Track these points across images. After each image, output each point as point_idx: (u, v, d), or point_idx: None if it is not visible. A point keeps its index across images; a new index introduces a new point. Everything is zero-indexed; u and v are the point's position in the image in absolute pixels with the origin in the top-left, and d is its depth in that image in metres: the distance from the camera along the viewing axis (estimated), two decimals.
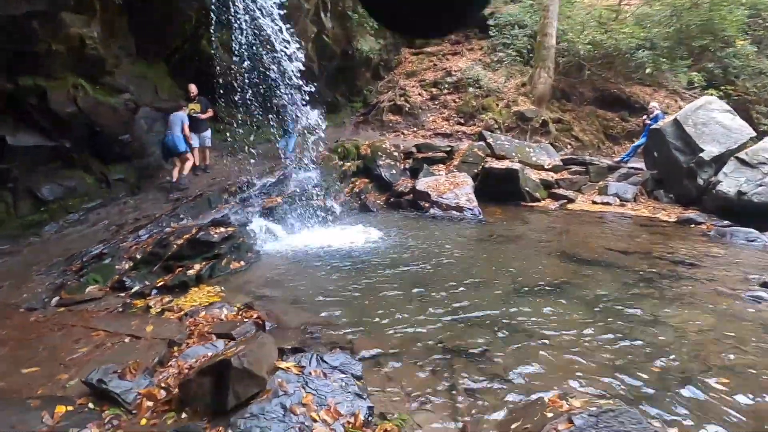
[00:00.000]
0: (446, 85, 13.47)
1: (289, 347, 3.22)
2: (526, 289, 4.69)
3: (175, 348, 3.26)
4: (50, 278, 4.62)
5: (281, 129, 9.17)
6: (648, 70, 11.98)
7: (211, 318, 3.85)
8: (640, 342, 3.48)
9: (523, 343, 3.51)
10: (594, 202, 9.30)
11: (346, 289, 4.77)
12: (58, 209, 5.90)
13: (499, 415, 2.53)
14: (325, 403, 2.44)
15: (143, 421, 2.32)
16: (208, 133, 8.19)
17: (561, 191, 9.66)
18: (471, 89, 12.92)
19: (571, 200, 9.40)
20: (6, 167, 5.27)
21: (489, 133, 10.97)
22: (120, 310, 4.11)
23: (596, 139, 13.57)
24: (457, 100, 13.18)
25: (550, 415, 2.20)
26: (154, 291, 4.58)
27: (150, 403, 2.54)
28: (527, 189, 9.44)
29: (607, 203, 9.09)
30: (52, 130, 5.55)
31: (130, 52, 7.03)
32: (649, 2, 14.17)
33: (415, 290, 4.66)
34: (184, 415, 2.35)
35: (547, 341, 3.53)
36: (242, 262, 5.49)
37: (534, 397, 2.68)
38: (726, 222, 7.02)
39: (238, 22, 6.56)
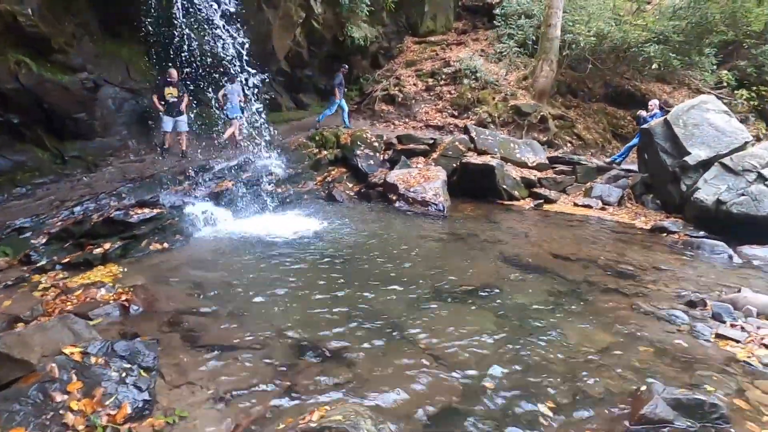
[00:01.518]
0: (443, 76, 13.00)
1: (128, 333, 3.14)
2: (445, 292, 4.42)
3: (19, 324, 3.24)
4: None
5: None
6: (654, 66, 11.05)
7: (84, 297, 3.82)
8: (522, 359, 3.16)
9: (395, 349, 3.26)
10: (575, 204, 8.74)
11: (254, 280, 4.62)
12: (4, 182, 6.07)
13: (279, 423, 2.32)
14: (92, 393, 2.31)
15: None
16: (183, 118, 8.19)
17: (542, 191, 9.14)
18: (466, 81, 12.39)
19: (550, 201, 8.88)
20: None
21: (474, 126, 10.51)
22: (10, 283, 4.16)
23: (602, 138, 12.75)
24: (452, 91, 12.70)
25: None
26: (58, 267, 4.61)
27: None
28: (505, 186, 8.98)
29: (588, 206, 8.52)
30: None
31: (92, 31, 7.12)
32: None
33: (328, 286, 4.46)
34: None
35: (419, 349, 3.27)
36: (165, 244, 5.46)
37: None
38: (702, 233, 6.37)
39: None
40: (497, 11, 14.09)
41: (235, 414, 2.43)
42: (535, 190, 9.17)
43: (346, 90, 11.84)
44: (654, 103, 9.48)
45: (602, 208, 8.37)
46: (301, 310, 3.94)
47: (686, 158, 7.09)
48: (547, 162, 9.78)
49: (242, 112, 8.94)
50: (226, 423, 2.35)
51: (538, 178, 9.41)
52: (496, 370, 2.98)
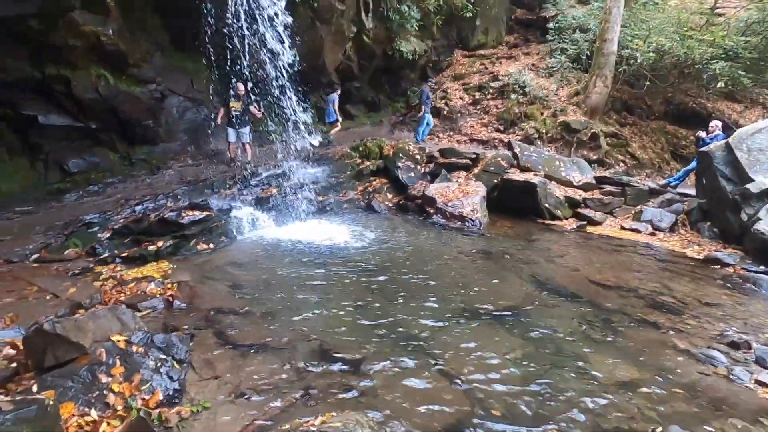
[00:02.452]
0: (490, 90, 12.92)
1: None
2: (473, 311, 4.42)
3: (80, 310, 3.67)
4: (45, 237, 5.42)
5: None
6: (720, 84, 10.32)
7: (136, 290, 4.24)
8: (542, 387, 3.13)
9: (414, 366, 3.32)
10: (623, 228, 8.34)
11: (288, 284, 4.88)
12: (81, 181, 6.84)
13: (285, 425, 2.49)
14: (131, 378, 2.61)
15: None
16: (246, 130, 8.65)
17: (587, 212, 8.80)
18: (514, 96, 12.23)
19: (595, 222, 8.53)
20: (38, 142, 6.28)
21: (518, 142, 10.33)
22: (76, 272, 4.69)
23: (659, 158, 12.10)
24: (499, 106, 12.58)
25: None
26: (117, 260, 5.13)
27: (12, 351, 2.93)
28: (547, 205, 8.75)
29: (636, 230, 8.09)
30: (78, 113, 6.47)
31: (163, 46, 7.85)
32: (748, 6, 12.19)
33: (356, 295, 4.60)
34: (14, 365, 2.68)
35: (439, 368, 3.32)
36: (211, 245, 5.89)
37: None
38: (761, 268, 5.88)
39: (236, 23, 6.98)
40: (551, 25, 13.82)
41: (252, 411, 2.63)
42: (580, 210, 8.85)
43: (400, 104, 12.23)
44: (716, 124, 8.87)
45: (652, 234, 7.93)
46: (329, 316, 4.11)
47: (748, 186, 6.59)
48: (593, 182, 9.41)
49: (337, 117, 10.68)
50: (242, 418, 2.55)
51: (583, 198, 9.08)
52: (510, 395, 2.97)
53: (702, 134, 8.87)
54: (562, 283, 5.38)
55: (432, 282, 5.18)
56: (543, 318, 4.35)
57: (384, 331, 3.85)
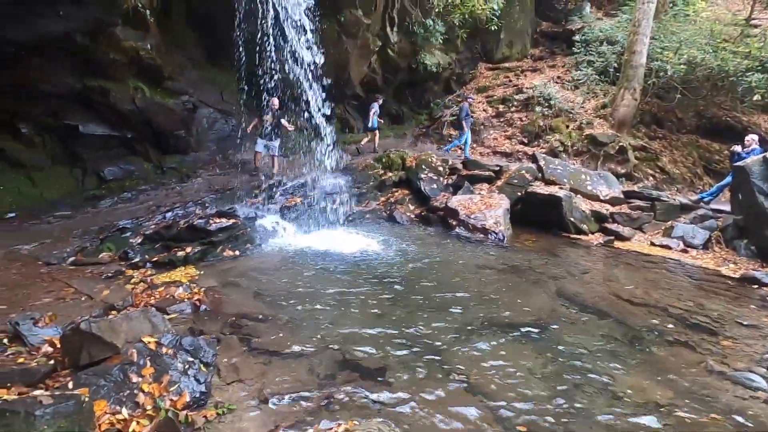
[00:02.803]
0: (514, 103, 12.86)
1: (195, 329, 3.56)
2: (497, 325, 4.36)
3: (113, 311, 3.80)
4: (81, 241, 5.66)
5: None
6: (756, 97, 9.98)
7: (165, 293, 4.36)
8: (563, 405, 3.05)
9: (434, 378, 3.30)
10: (652, 244, 8.09)
11: (311, 292, 4.93)
12: (116, 188, 7.14)
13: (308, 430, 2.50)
14: (160, 379, 2.68)
15: (21, 359, 2.82)
16: (276, 143, 8.85)
17: (614, 226, 8.58)
18: (539, 108, 12.13)
19: (623, 238, 8.30)
20: (78, 150, 6.60)
21: (542, 155, 10.21)
22: (110, 275, 4.87)
23: (691, 173, 11.74)
24: (523, 118, 12.50)
25: None
26: (148, 264, 5.31)
27: (50, 349, 3.05)
28: (572, 219, 8.57)
29: (667, 247, 7.83)
30: (116, 123, 6.78)
31: (197, 60, 8.18)
32: None
33: (378, 305, 4.61)
34: (52, 362, 2.79)
35: (459, 381, 3.28)
36: (237, 252, 6.02)
37: None
38: None
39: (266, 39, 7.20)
40: (577, 37, 13.71)
41: (275, 416, 2.65)
42: (607, 225, 8.64)
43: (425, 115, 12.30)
44: (752, 138, 8.55)
45: (683, 251, 7.66)
46: (351, 325, 4.13)
47: None
48: (621, 196, 9.19)
49: (377, 125, 11.12)
50: (266, 423, 2.58)
51: (610, 212, 8.87)
52: (534, 413, 2.91)
53: (737, 148, 8.57)
54: (589, 299, 5.25)
55: (455, 294, 5.13)
56: (569, 334, 4.24)
57: (406, 342, 3.83)
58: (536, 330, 4.27)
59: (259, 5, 6.82)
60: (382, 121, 11.88)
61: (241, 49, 8.19)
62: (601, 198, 9.15)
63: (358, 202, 9.03)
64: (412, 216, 9.46)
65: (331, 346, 3.67)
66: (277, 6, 7.14)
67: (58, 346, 3.04)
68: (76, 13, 4.99)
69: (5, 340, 3.04)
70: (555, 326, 4.40)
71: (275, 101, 8.49)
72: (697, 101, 12.03)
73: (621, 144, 11.36)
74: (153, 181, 7.70)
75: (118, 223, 6.07)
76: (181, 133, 7.85)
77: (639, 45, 11.09)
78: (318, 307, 4.52)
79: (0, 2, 4.51)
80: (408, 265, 6.17)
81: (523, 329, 4.28)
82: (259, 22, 7.30)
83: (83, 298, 3.96)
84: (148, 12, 5.97)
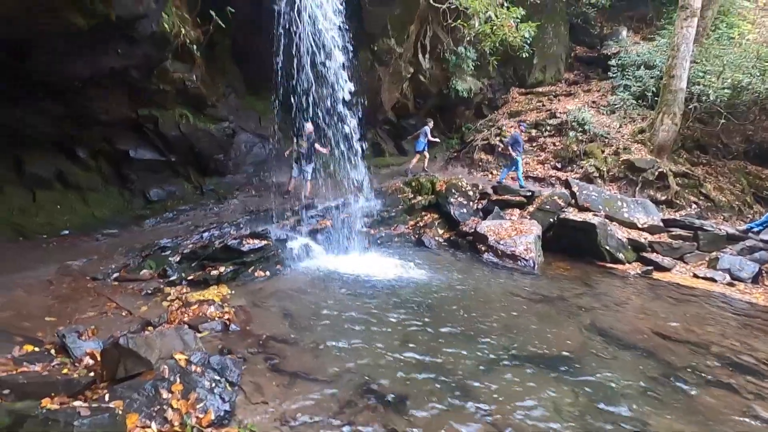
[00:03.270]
0: (548, 127, 12.73)
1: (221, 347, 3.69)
2: (524, 357, 4.26)
3: (149, 327, 4.01)
4: (125, 258, 6.01)
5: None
6: None
7: (198, 312, 4.55)
8: None
9: (457, 411, 3.26)
10: (695, 276, 7.68)
11: (337, 316, 4.99)
12: (159, 208, 7.57)
13: None
14: (188, 396, 2.80)
15: (65, 370, 3.02)
16: (309, 168, 9.11)
17: (653, 256, 8.22)
18: (573, 133, 11.94)
19: (663, 268, 7.92)
20: (128, 173, 7.10)
21: (576, 180, 10.00)
22: (149, 291, 5.14)
23: (739, 200, 11.12)
24: (557, 143, 12.32)
25: None
26: (184, 282, 5.56)
27: (91, 361, 3.26)
28: (607, 247, 8.29)
29: (712, 279, 7.41)
30: (163, 148, 7.27)
31: (237, 88, 8.68)
32: None
33: (403, 331, 4.63)
34: (92, 374, 2.98)
35: (482, 416, 3.23)
36: (267, 272, 6.21)
37: None
38: None
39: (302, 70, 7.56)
40: (613, 62, 13.51)
41: None
42: (645, 254, 8.29)
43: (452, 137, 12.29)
44: None
45: (730, 284, 7.22)
46: (374, 351, 4.15)
47: None
48: (661, 224, 8.83)
49: (425, 148, 11.37)
50: None
51: (649, 241, 8.51)
52: None
53: None
54: (624, 333, 5.03)
55: (482, 323, 5.06)
56: (601, 370, 4.09)
57: (430, 371, 3.81)
58: (566, 364, 4.14)
59: (296, 39, 7.22)
60: (438, 140, 12.44)
61: (278, 77, 8.62)
62: (639, 226, 8.82)
63: (386, 226, 9.12)
64: (441, 240, 9.44)
65: (354, 371, 3.69)
66: (313, 38, 7.54)
67: (98, 359, 3.24)
68: (132, 51, 5.50)
69: (53, 351, 3.28)
70: (586, 361, 4.25)
71: (309, 126, 8.78)
72: (744, 126, 11.49)
73: (661, 170, 10.96)
74: (193, 202, 8.11)
75: (160, 241, 6.41)
76: (220, 157, 8.29)
77: (678, 69, 10.80)
78: (344, 330, 4.57)
79: (68, 43, 5.02)
80: (436, 291, 6.15)
81: (552, 363, 4.16)
82: (295, 54, 7.71)
83: (124, 313, 4.20)
84: (195, 47, 6.48)
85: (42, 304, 4.29)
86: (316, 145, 8.89)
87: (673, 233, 8.55)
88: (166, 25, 5.60)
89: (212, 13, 6.47)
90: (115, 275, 5.51)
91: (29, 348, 3.22)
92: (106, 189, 7.35)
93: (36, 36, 4.94)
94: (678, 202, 10.81)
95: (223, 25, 6.66)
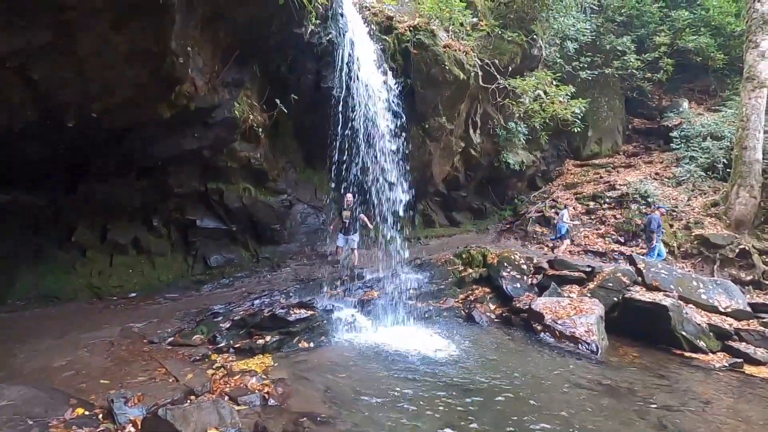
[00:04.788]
0: (606, 200, 12.24)
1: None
2: None
3: (192, 396, 4.05)
4: (180, 323, 6.30)
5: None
6: None
7: (240, 382, 4.56)
8: None
9: None
10: None
11: (378, 396, 4.76)
12: (217, 274, 8.02)
13: None
14: None
15: None
16: (355, 237, 9.45)
17: (742, 346, 7.16)
18: (635, 206, 11.35)
19: (756, 362, 6.84)
20: (194, 240, 7.70)
21: (642, 257, 9.28)
22: (197, 358, 5.27)
23: None
24: (617, 216, 11.72)
25: None
26: (231, 350, 5.66)
27: (132, 429, 3.32)
28: (684, 333, 7.38)
29: None
30: (225, 218, 7.87)
31: (296, 163, 9.38)
32: None
33: (448, 419, 4.29)
34: None
35: None
36: (311, 344, 6.17)
37: None
38: None
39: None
40: (675, 133, 13.06)
41: None
42: (731, 343, 7.25)
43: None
44: None
45: None
46: None
47: None
48: (748, 309, 7.80)
49: (565, 232, 11.10)
50: None
51: (735, 328, 7.48)
52: None
53: None
54: None
55: (536, 415, 4.56)
56: None
57: None
58: None
59: (351, 122, 7.86)
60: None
61: (334, 153, 9.24)
62: (721, 310, 7.84)
63: (435, 299, 8.88)
64: (493, 316, 8.95)
65: None
66: (365, 118, 8.15)
67: (140, 427, 3.29)
68: (206, 133, 6.27)
69: (101, 416, 3.39)
70: None
71: (349, 197, 9.16)
72: None
73: (742, 246, 9.93)
74: (248, 269, 8.51)
75: (213, 307, 6.69)
76: (276, 227, 8.78)
77: (751, 140, 10.18)
78: (384, 414, 4.32)
79: (150, 128, 5.83)
80: (484, 373, 5.72)
81: None
82: (351, 134, 8.32)
83: (170, 380, 4.30)
84: (260, 129, 7.24)
85: (100, 365, 4.53)
86: (362, 216, 9.16)
87: (765, 320, 7.49)
88: (237, 112, 6.35)
89: (277, 101, 7.29)
90: (170, 339, 5.75)
91: (80, 411, 3.36)
92: (172, 255, 7.97)
93: (132, 124, 5.81)
94: (767, 282, 9.59)
95: (286, 111, 7.42)
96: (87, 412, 3.39)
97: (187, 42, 5.30)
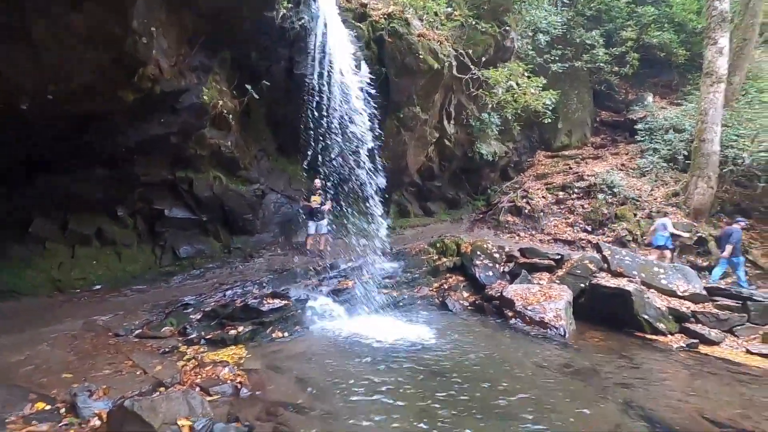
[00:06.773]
0: (575, 190, 12.60)
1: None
2: None
3: (161, 388, 3.95)
4: (149, 315, 6.11)
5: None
6: None
7: (211, 373, 4.48)
8: None
9: None
10: (749, 352, 6.96)
11: (352, 384, 4.75)
12: (187, 265, 7.80)
13: None
14: None
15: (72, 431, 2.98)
16: (324, 222, 9.46)
17: (698, 328, 7.56)
18: (602, 196, 11.74)
19: (710, 341, 7.25)
20: (162, 230, 7.45)
21: (608, 245, 9.64)
22: (166, 350, 5.13)
23: None
24: (585, 205, 12.10)
25: None
26: (202, 341, 5.54)
27: (98, 423, 3.21)
28: (645, 316, 7.72)
29: None
30: (195, 208, 7.64)
31: (269, 151, 9.19)
32: None
33: (422, 403, 4.38)
34: None
35: None
36: (286, 333, 6.12)
37: None
38: None
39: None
40: (640, 126, 13.54)
41: None
42: (688, 325, 7.65)
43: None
44: None
45: None
46: (390, 424, 3.90)
47: None
48: (704, 293, 8.22)
49: (666, 243, 9.74)
50: None
51: (692, 311, 7.89)
52: None
53: None
54: (665, 416, 4.52)
55: (507, 398, 4.69)
56: None
57: None
58: None
59: (324, 106, 7.75)
60: (679, 236, 10.01)
61: (309, 143, 9.11)
62: (679, 294, 8.25)
63: (409, 287, 8.95)
64: (466, 304, 9.12)
65: None
66: (340, 105, 8.06)
67: (105, 420, 3.19)
68: (173, 119, 6.04)
69: (63, 410, 3.26)
70: None
71: (317, 182, 9.15)
72: None
73: (700, 234, 10.45)
74: (219, 260, 8.32)
75: (183, 298, 6.52)
76: (249, 216, 8.60)
77: (709, 133, 10.67)
78: (359, 400, 4.35)
79: (116, 115, 5.57)
80: (457, 358, 5.83)
81: None
82: (325, 122, 8.21)
83: (138, 372, 4.18)
84: (231, 116, 7.04)
85: (62, 360, 4.35)
86: (327, 205, 9.14)
87: (720, 303, 7.93)
88: (206, 98, 6.14)
89: (248, 87, 7.09)
90: (137, 332, 5.58)
91: (40, 406, 3.23)
92: (139, 246, 7.69)
93: (95, 110, 5.52)
94: None
95: (257, 97, 7.23)
96: (48, 407, 3.26)
97: (151, 23, 5.07)
